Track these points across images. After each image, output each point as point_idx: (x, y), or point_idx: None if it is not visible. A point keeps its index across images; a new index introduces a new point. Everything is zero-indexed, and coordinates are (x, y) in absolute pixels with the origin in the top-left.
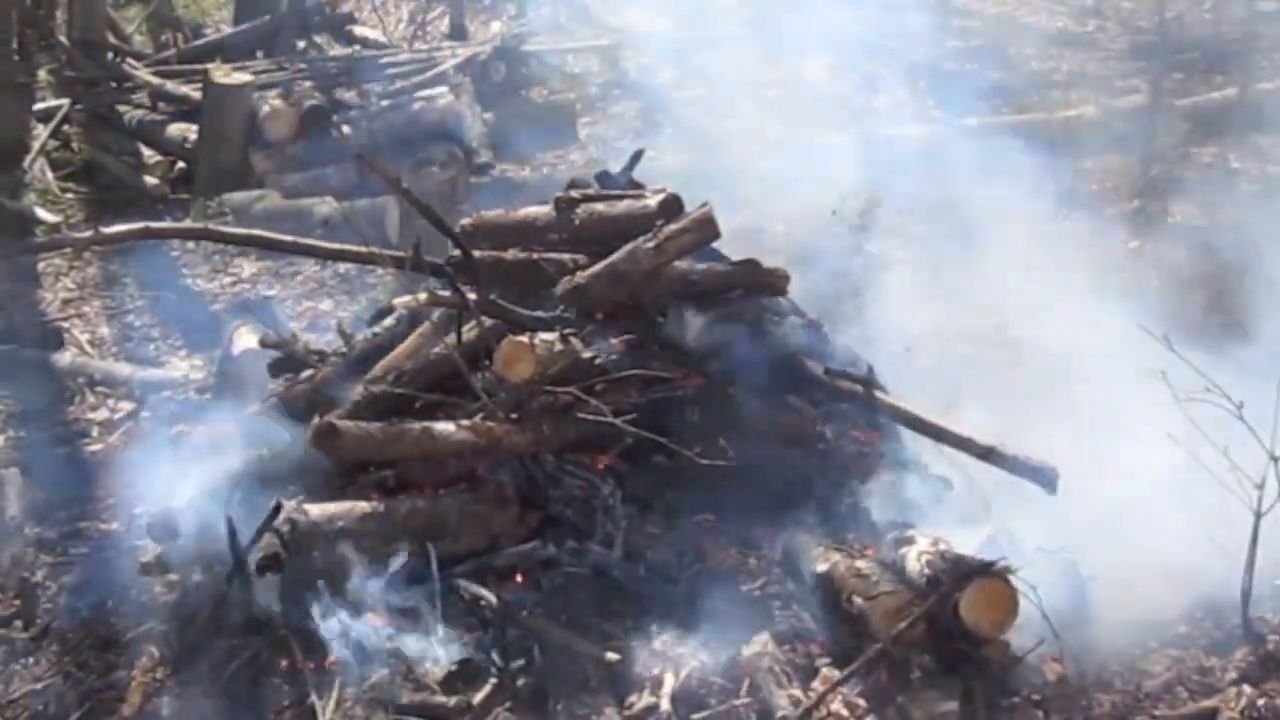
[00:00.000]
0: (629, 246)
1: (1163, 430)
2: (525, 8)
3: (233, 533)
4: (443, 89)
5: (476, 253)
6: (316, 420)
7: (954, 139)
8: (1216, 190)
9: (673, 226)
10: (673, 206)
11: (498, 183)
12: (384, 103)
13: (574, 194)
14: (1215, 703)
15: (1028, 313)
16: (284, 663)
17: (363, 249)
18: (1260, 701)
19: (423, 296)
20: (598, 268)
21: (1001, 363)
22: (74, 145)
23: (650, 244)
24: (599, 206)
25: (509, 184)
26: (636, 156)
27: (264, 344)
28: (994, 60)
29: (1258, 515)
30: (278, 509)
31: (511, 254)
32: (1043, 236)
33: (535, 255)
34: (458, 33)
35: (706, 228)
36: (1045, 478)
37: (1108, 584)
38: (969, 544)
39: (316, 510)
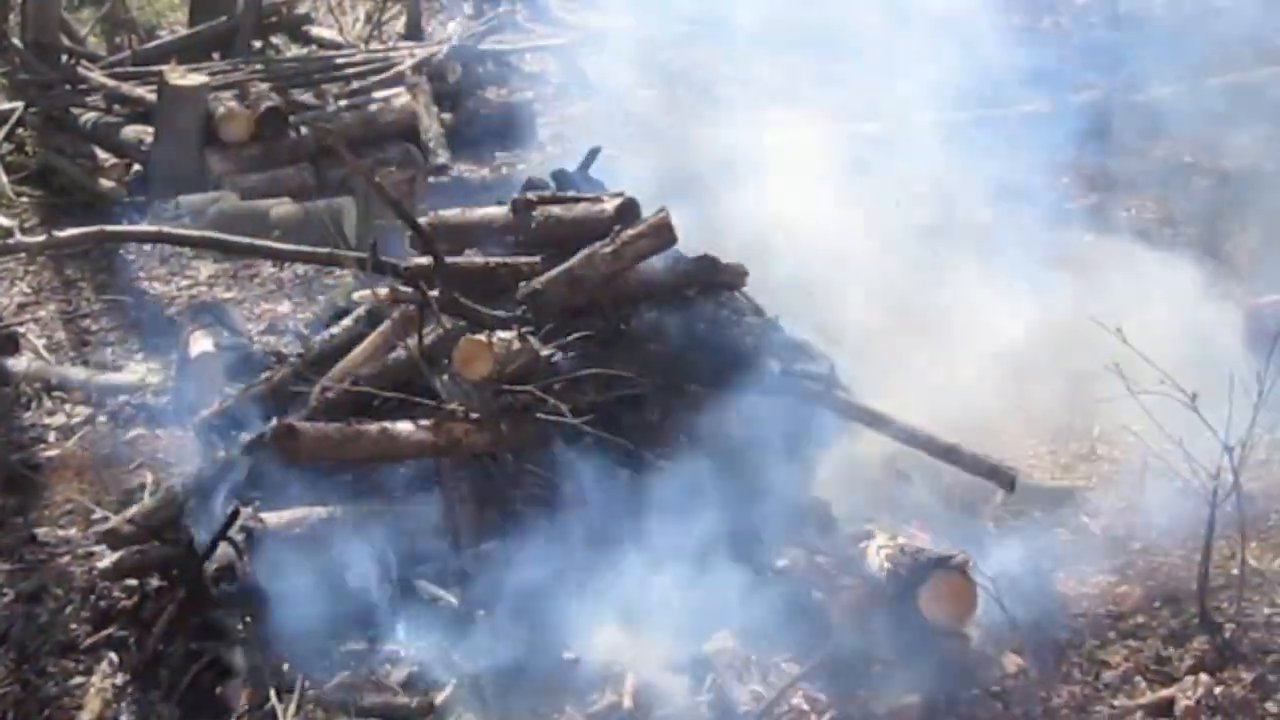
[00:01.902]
0: (586, 252)
1: (1118, 423)
2: (483, 7)
3: (189, 540)
4: (400, 89)
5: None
6: (274, 422)
7: (911, 134)
8: (1171, 185)
9: (630, 232)
10: (629, 211)
11: (455, 183)
12: (341, 103)
13: (530, 196)
14: (1173, 692)
15: (978, 306)
16: (244, 666)
17: (320, 250)
18: (1218, 690)
19: (383, 292)
20: (555, 272)
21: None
22: (28, 149)
23: (607, 249)
24: (555, 210)
25: (467, 184)
26: (592, 155)
27: (220, 346)
28: (950, 56)
29: (1213, 506)
30: (234, 515)
31: (467, 258)
32: (998, 231)
33: (492, 261)
34: (414, 33)
35: (663, 233)
36: (1004, 477)
37: (1065, 575)
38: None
39: (273, 517)
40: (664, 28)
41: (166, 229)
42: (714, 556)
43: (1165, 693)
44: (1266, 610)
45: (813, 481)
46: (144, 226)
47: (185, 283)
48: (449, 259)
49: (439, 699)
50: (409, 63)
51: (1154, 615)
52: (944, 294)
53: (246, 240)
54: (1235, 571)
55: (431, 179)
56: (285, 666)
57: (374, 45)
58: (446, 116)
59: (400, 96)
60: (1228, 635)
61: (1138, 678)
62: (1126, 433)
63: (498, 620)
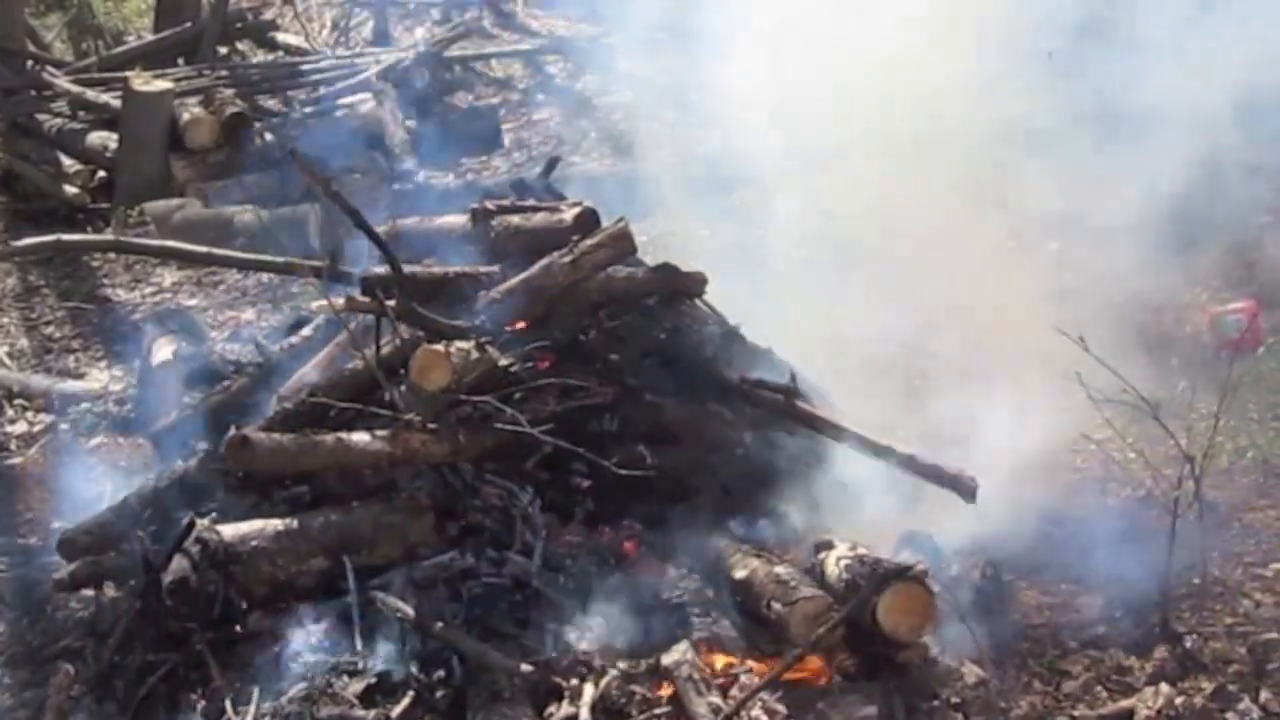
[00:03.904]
0: (545, 262)
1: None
2: (450, 13)
3: (145, 551)
4: (365, 95)
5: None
6: (230, 432)
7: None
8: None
9: (589, 242)
10: (588, 221)
11: (421, 189)
12: (307, 109)
13: (490, 205)
14: (1134, 702)
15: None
16: (200, 678)
17: (278, 259)
18: (1178, 700)
19: (340, 301)
20: (513, 282)
21: (917, 369)
22: None
23: (566, 260)
24: (514, 219)
25: (432, 190)
26: (552, 164)
27: (178, 355)
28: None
29: (1174, 515)
30: (190, 527)
31: (425, 268)
32: (965, 239)
33: (451, 271)
34: (381, 39)
35: (622, 243)
36: (964, 486)
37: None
38: (888, 548)
39: (229, 529)
40: (631, 34)
41: (124, 238)
42: (674, 566)
43: (1126, 703)
44: (1228, 620)
45: (772, 490)
46: (101, 236)
47: (149, 289)
48: (407, 268)
49: (395, 712)
50: (375, 69)
51: (1115, 625)
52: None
53: (204, 249)
54: (1197, 581)
55: (397, 185)
56: (241, 678)
57: (341, 51)
58: (412, 122)
59: (366, 103)
60: (1189, 645)
61: (1098, 688)
62: (1088, 441)
63: (455, 632)
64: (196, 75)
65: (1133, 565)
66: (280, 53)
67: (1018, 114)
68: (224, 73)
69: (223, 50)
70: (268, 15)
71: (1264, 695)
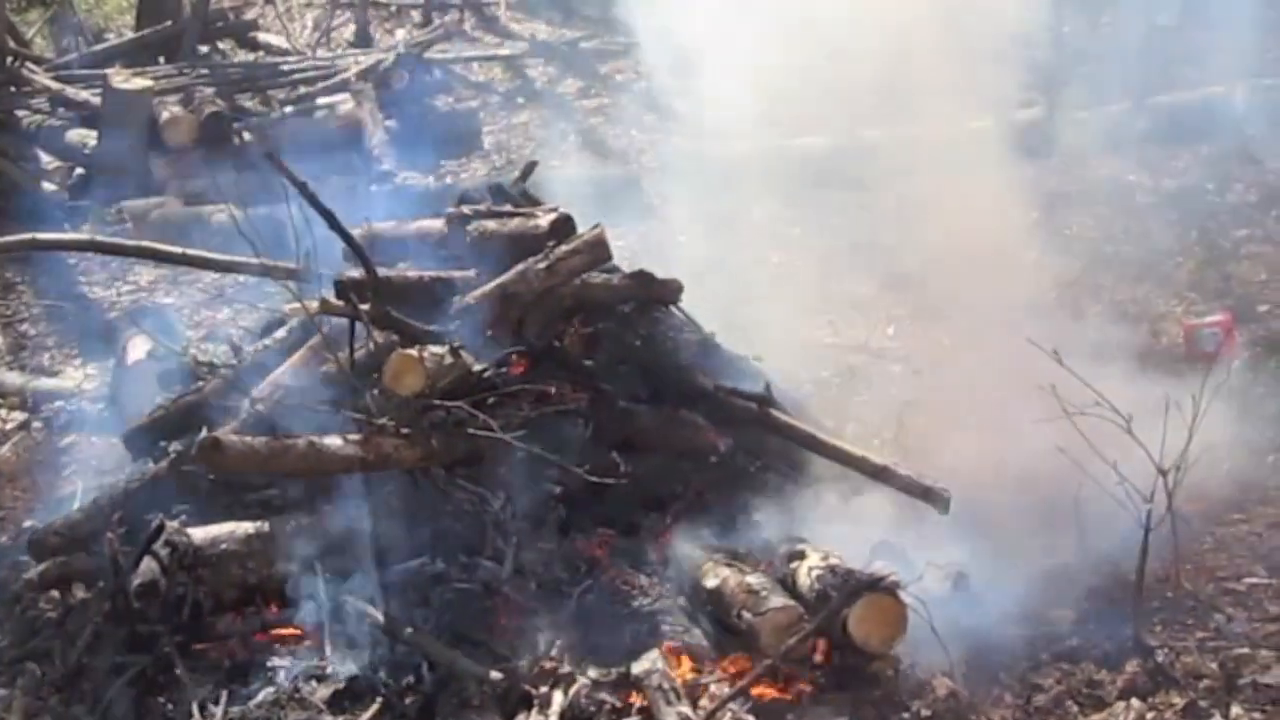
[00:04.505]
0: (520, 267)
1: (1052, 444)
2: (431, 16)
3: (114, 553)
4: (345, 96)
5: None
6: (201, 434)
7: (851, 150)
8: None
9: (564, 248)
10: (564, 226)
11: (399, 191)
12: (287, 109)
13: (465, 210)
14: (1104, 716)
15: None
16: (168, 681)
17: (252, 260)
18: (1149, 715)
19: (314, 304)
20: (488, 287)
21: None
22: None
23: (542, 265)
24: (490, 224)
25: (410, 192)
26: (529, 168)
27: (153, 355)
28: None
29: (1146, 529)
30: (159, 529)
31: (400, 272)
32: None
33: (426, 275)
34: (363, 40)
35: (598, 249)
36: (937, 499)
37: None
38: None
39: (199, 532)
40: (610, 39)
41: (99, 238)
42: (646, 574)
43: (1096, 717)
44: (1200, 634)
45: (745, 499)
46: (76, 235)
47: (127, 287)
48: (382, 272)
49: (364, 718)
50: (355, 70)
51: (1087, 638)
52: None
53: (179, 249)
54: (1169, 595)
55: (375, 186)
56: (209, 682)
57: (322, 52)
58: (391, 124)
59: (346, 103)
60: (1160, 659)
61: (1069, 701)
62: (1061, 455)
63: (425, 638)
64: (176, 74)
65: (1105, 579)
66: (261, 53)
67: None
68: (204, 71)
69: (203, 49)
70: (249, 15)
71: (1235, 710)
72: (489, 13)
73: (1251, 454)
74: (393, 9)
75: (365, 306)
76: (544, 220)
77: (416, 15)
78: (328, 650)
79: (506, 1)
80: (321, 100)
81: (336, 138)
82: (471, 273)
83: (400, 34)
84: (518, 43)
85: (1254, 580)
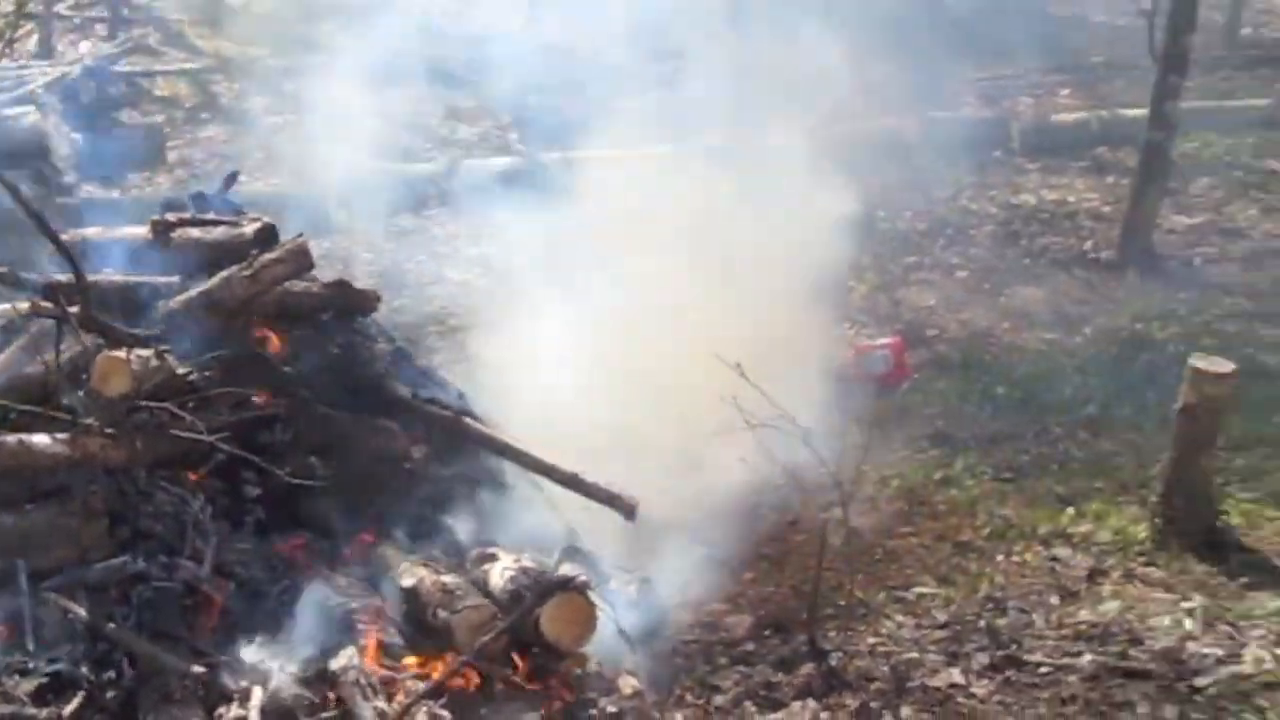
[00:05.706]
0: (224, 274)
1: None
2: (117, 30)
3: None
4: (29, 108)
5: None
6: None
7: (689, 159)
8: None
9: (268, 256)
10: (268, 235)
11: (84, 203)
12: None
13: (170, 218)
14: (781, 716)
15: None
16: None
17: None
18: (824, 715)
19: (24, 306)
20: (193, 293)
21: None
22: None
23: (246, 273)
24: (194, 232)
25: (95, 204)
26: (231, 178)
27: None
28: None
29: (822, 539)
30: None
31: (107, 276)
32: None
33: (131, 280)
34: (45, 52)
35: (300, 258)
36: (624, 506)
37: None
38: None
39: None
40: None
41: None
42: (342, 574)
43: (774, 717)
44: (871, 640)
45: (440, 502)
46: None
47: None
48: (90, 276)
49: (67, 710)
50: (41, 81)
51: (764, 643)
52: None
53: None
54: (842, 603)
55: (60, 199)
56: None
57: (4, 63)
58: (76, 136)
59: (30, 115)
60: (834, 663)
61: (747, 702)
62: (740, 464)
63: (127, 633)
64: None
65: (782, 587)
66: None
67: None
68: None
69: None
70: None
71: (905, 711)
72: (174, 28)
73: (920, 471)
74: (76, 21)
75: (73, 309)
76: (249, 229)
77: (101, 29)
78: (30, 645)
79: (191, 18)
80: (5, 111)
81: (24, 149)
82: (176, 279)
83: (85, 46)
84: (202, 58)
85: (922, 590)
